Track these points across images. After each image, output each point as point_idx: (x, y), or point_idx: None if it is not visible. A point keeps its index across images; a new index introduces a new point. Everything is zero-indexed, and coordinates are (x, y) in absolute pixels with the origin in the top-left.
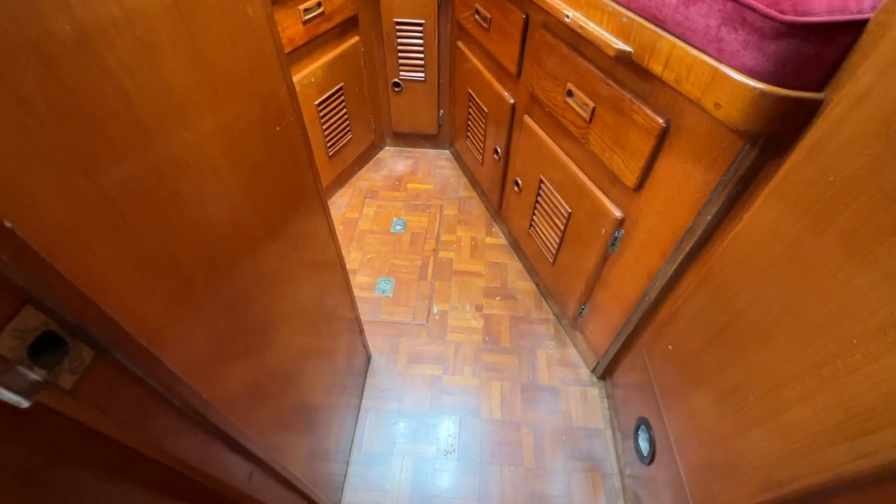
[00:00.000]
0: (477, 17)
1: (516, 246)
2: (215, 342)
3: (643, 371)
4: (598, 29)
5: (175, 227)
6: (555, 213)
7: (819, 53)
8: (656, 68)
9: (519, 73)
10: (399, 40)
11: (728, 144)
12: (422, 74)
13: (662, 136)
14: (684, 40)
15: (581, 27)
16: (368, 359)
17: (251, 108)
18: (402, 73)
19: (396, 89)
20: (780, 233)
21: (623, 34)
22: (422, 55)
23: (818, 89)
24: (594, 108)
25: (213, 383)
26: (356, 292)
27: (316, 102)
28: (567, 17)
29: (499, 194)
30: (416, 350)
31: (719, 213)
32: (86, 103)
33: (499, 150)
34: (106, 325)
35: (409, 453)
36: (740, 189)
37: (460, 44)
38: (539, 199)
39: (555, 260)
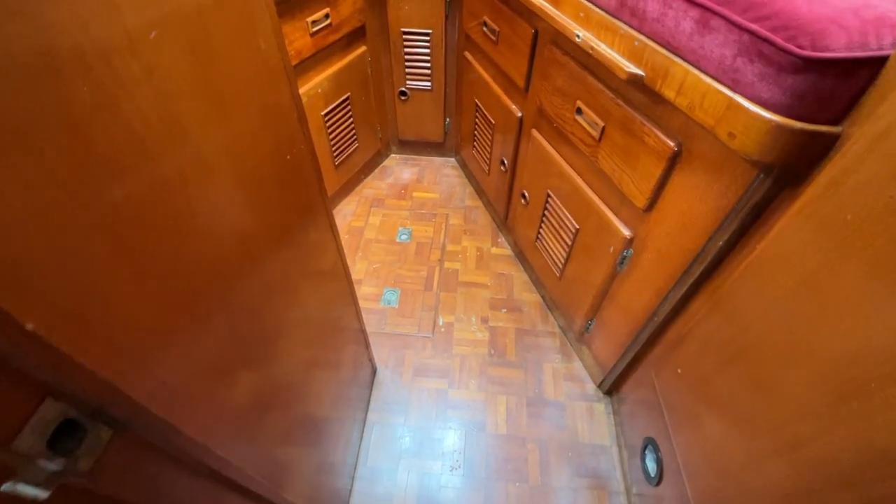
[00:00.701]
0: (485, 29)
1: (522, 257)
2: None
3: (651, 390)
4: (609, 51)
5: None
6: (562, 228)
7: (837, 88)
8: (669, 94)
9: (527, 88)
10: (406, 50)
11: (741, 172)
12: (428, 83)
13: (674, 159)
14: (698, 68)
15: (592, 48)
16: (374, 371)
17: (264, 144)
18: (408, 82)
19: (403, 98)
20: (795, 267)
21: (635, 57)
22: (428, 64)
23: (835, 123)
24: (604, 128)
25: (213, 408)
26: (361, 303)
27: (323, 113)
28: (577, 37)
29: (505, 205)
30: (422, 363)
31: (731, 240)
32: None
33: (505, 161)
34: (126, 404)
35: (415, 469)
36: (753, 217)
37: (467, 54)
38: (546, 212)
39: (562, 274)
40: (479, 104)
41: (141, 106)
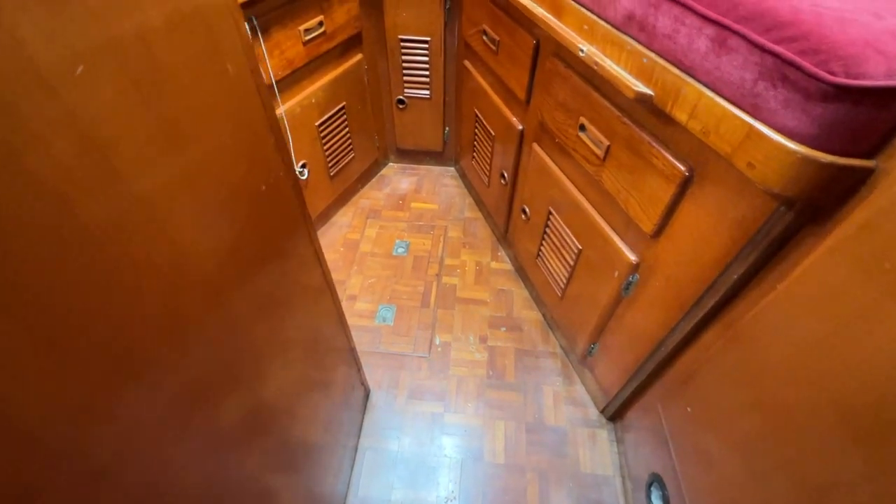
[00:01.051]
0: (484, 38)
1: (523, 272)
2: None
3: (656, 421)
4: (615, 67)
5: (131, 324)
6: (564, 247)
7: (873, 119)
8: (680, 116)
9: (528, 100)
10: (404, 57)
11: (760, 203)
12: (427, 92)
13: (684, 184)
14: (714, 90)
15: (597, 63)
16: (367, 394)
17: (233, 174)
18: (406, 91)
19: (401, 106)
20: (825, 313)
21: (644, 76)
22: (427, 72)
23: (869, 156)
24: (609, 147)
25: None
26: (355, 320)
27: (317, 123)
28: (581, 51)
29: (505, 218)
30: (417, 384)
31: (747, 273)
32: None
33: (506, 174)
34: None
35: (408, 501)
36: (772, 251)
37: (467, 63)
38: (547, 229)
39: (563, 294)
40: (479, 114)
41: (60, 156)
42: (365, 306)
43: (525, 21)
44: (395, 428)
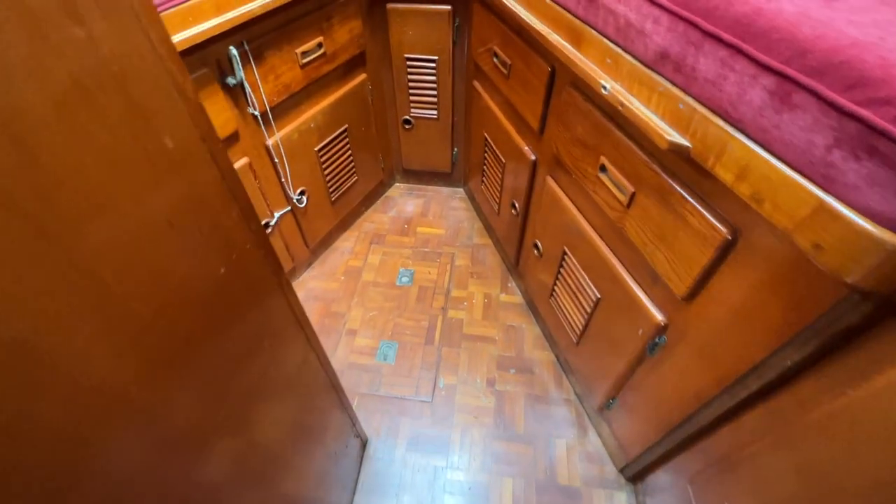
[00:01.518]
0: (495, 60)
1: (534, 307)
2: None
3: (685, 498)
4: (644, 110)
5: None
6: (580, 293)
7: None
8: (725, 175)
9: (542, 130)
10: (410, 76)
11: (825, 287)
12: (434, 112)
13: (726, 249)
14: (771, 152)
15: (622, 103)
16: (364, 444)
17: (173, 274)
18: (413, 111)
19: (407, 126)
20: None
21: (679, 124)
22: (434, 92)
23: None
24: (634, 194)
25: None
26: (355, 358)
27: (316, 148)
28: (605, 88)
29: (516, 249)
30: (419, 433)
31: (805, 363)
32: None
33: (517, 205)
34: None
35: None
36: (841, 344)
37: (476, 84)
38: (562, 269)
39: (579, 340)
40: (489, 138)
41: None
42: (365, 342)
43: (539, 47)
44: (392, 484)
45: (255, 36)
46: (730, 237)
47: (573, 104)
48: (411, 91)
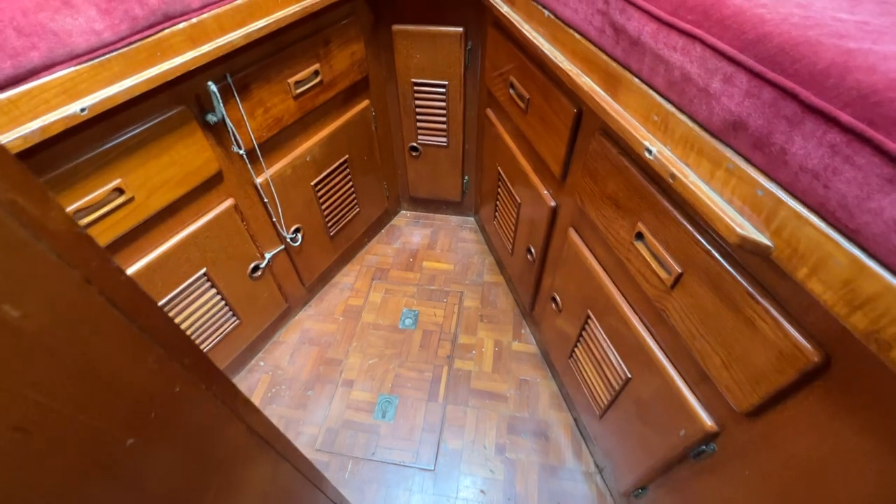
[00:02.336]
0: (512, 91)
1: (550, 360)
2: None
3: None
4: (705, 188)
5: None
6: (606, 365)
7: None
8: (825, 296)
9: (564, 176)
10: (417, 102)
11: None
12: (444, 140)
13: (812, 374)
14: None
15: (674, 175)
16: None
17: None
18: (420, 138)
19: (414, 153)
20: None
21: (757, 214)
22: (444, 119)
23: None
24: (681, 275)
25: None
26: (350, 414)
27: (313, 183)
28: (649, 152)
29: (531, 296)
30: None
31: None
32: None
33: (533, 251)
34: None
35: None
36: None
37: (490, 113)
38: (584, 334)
39: (603, 415)
40: (503, 174)
41: None
42: (362, 396)
43: (564, 85)
44: None
45: (239, 67)
46: (819, 361)
47: (605, 156)
48: (419, 117)
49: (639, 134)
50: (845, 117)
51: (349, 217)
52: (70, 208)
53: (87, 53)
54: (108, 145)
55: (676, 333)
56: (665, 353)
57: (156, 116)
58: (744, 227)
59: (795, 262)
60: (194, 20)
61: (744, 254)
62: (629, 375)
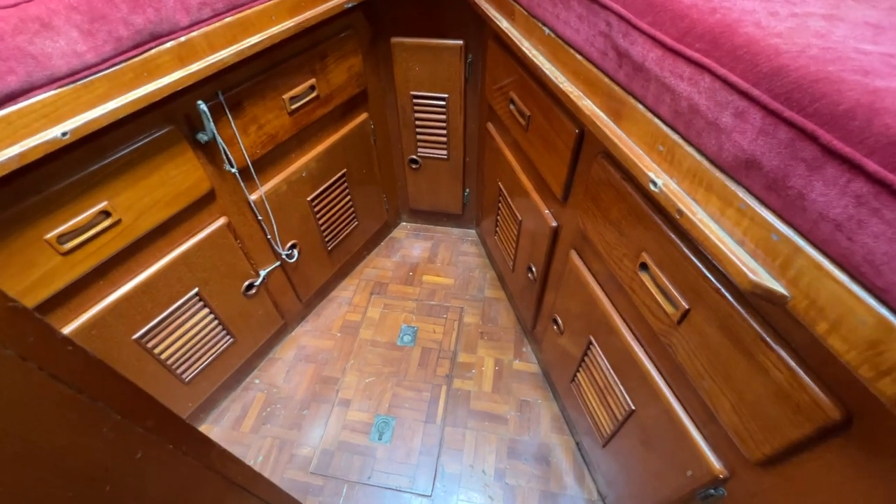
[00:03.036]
0: (512, 107)
1: (551, 380)
2: None
3: None
4: (714, 227)
5: None
6: (609, 394)
7: None
8: (848, 355)
9: (565, 197)
10: (417, 115)
11: None
12: (444, 152)
13: (831, 430)
14: None
15: (681, 211)
16: None
17: None
18: (420, 151)
19: (414, 166)
20: None
21: (771, 260)
22: (444, 132)
23: None
24: (688, 312)
25: None
26: (346, 435)
27: (309, 198)
28: (654, 184)
29: (532, 314)
30: None
31: None
32: None
33: (534, 270)
34: None
35: None
36: None
37: (491, 127)
38: (586, 360)
39: (606, 444)
40: (504, 190)
41: None
42: (359, 416)
43: (565, 106)
44: None
45: (231, 85)
46: (839, 418)
47: (607, 181)
48: (419, 130)
49: (643, 164)
50: (872, 165)
51: (347, 231)
52: (53, 233)
53: (69, 76)
54: (93, 168)
55: (683, 370)
56: (671, 389)
57: (143, 137)
58: (757, 272)
59: (814, 315)
60: (182, 39)
61: (757, 299)
62: (633, 407)
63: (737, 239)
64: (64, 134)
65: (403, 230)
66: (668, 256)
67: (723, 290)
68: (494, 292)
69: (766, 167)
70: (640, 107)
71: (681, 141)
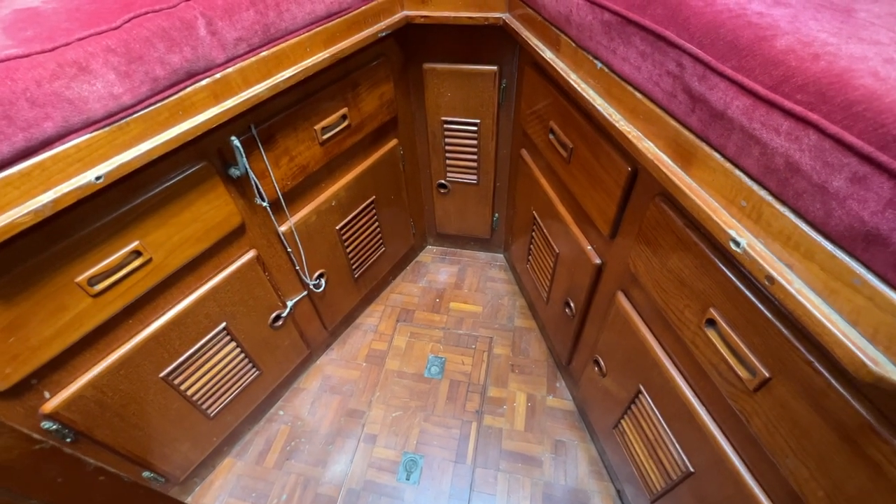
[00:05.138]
0: (552, 137)
1: (588, 421)
2: None
3: None
4: (817, 300)
5: None
6: (661, 449)
7: None
8: None
9: (613, 236)
10: (448, 141)
11: None
12: (474, 178)
13: None
14: None
15: (772, 278)
16: None
17: None
18: (449, 175)
19: (442, 191)
20: None
21: (893, 344)
22: (475, 157)
23: None
24: (768, 380)
25: None
26: (373, 474)
27: (338, 227)
28: (736, 244)
29: (568, 350)
30: None
31: None
32: None
33: (572, 306)
34: None
35: None
36: None
37: (525, 154)
38: (633, 408)
39: (655, 500)
40: (538, 219)
41: None
42: (386, 453)
43: (617, 142)
44: None
45: (263, 118)
46: None
47: (667, 226)
48: (448, 155)
49: (720, 218)
50: None
51: (374, 257)
52: (84, 275)
53: (105, 119)
54: (125, 208)
55: (759, 441)
56: (741, 459)
57: (176, 174)
58: (878, 361)
59: None
60: (218, 76)
61: (876, 392)
62: (691, 470)
63: (850, 319)
64: (98, 178)
65: (429, 254)
66: (744, 317)
67: (817, 364)
68: (525, 322)
69: (891, 237)
70: (717, 156)
71: (771, 199)
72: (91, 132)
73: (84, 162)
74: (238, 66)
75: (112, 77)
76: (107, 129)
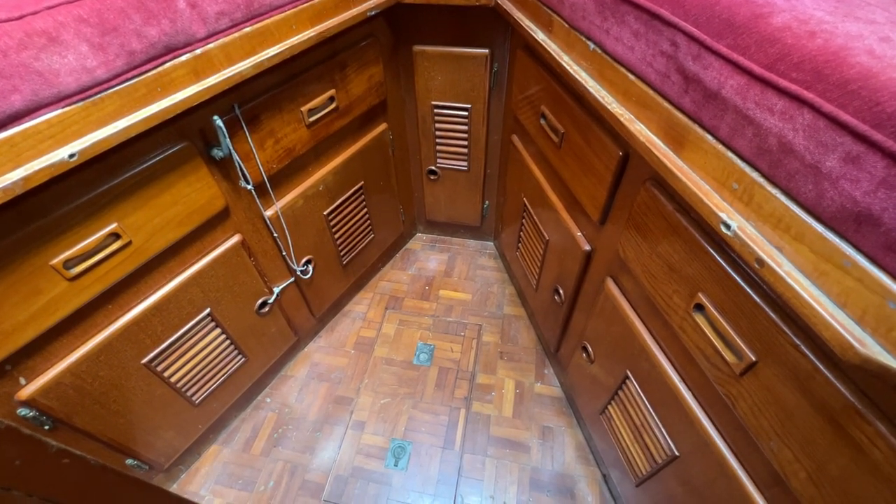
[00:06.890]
0: (543, 122)
1: (576, 407)
2: None
3: None
4: (805, 282)
5: None
6: (646, 434)
7: None
8: None
9: (602, 222)
10: (438, 125)
11: None
12: (465, 164)
13: None
14: None
15: (761, 259)
16: None
17: None
18: (439, 162)
19: (432, 177)
20: None
21: (884, 329)
22: (465, 143)
23: None
24: (754, 363)
25: None
26: (361, 460)
27: (325, 212)
28: (726, 227)
29: (556, 337)
30: None
31: None
32: None
33: (562, 293)
34: None
35: None
36: None
37: (516, 140)
38: (620, 394)
39: (640, 483)
40: (528, 206)
41: None
42: (374, 440)
43: (608, 125)
44: None
45: (248, 98)
46: None
47: (657, 211)
48: (438, 140)
49: (711, 201)
50: None
51: (363, 244)
52: (59, 258)
53: (78, 93)
54: (102, 188)
55: (744, 424)
56: (726, 442)
57: (156, 154)
58: (865, 343)
59: None
60: (198, 51)
61: (860, 373)
62: (676, 454)
63: (839, 302)
64: (72, 155)
65: (419, 241)
66: (732, 302)
67: (803, 347)
68: (514, 309)
69: (888, 225)
70: (710, 137)
71: (762, 181)
72: (63, 107)
73: (56, 138)
74: (220, 41)
75: (85, 49)
76: (80, 104)
